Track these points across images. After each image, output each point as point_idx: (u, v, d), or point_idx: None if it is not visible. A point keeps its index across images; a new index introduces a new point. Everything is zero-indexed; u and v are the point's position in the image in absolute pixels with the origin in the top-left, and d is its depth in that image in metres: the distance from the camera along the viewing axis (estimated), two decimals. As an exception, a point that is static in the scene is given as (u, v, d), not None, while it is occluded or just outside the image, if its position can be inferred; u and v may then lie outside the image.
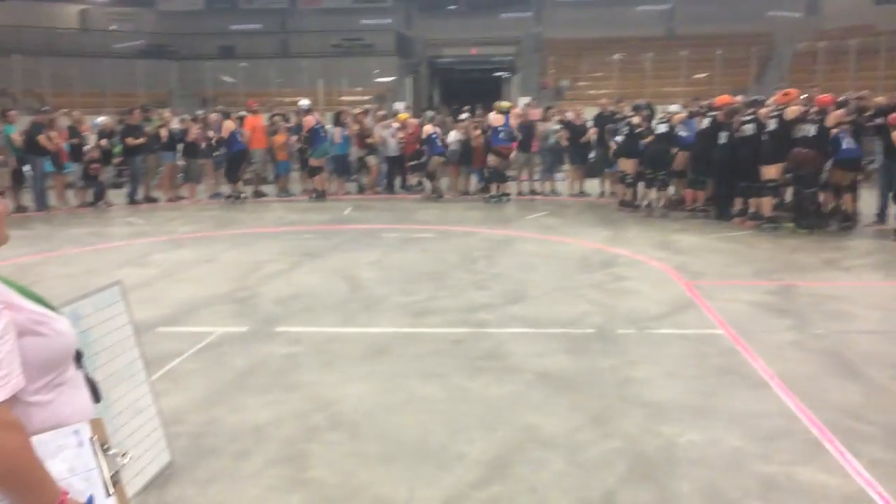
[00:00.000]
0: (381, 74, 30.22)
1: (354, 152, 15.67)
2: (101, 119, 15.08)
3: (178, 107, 22.02)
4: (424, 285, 7.81)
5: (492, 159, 14.09)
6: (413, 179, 15.92)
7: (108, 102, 25.69)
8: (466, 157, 14.95)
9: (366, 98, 29.81)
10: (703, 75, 26.19)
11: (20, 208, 13.58)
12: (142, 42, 33.17)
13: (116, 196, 14.86)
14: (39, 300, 1.88)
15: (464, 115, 16.24)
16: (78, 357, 1.98)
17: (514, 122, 14.42)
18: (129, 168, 14.66)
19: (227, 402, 4.78)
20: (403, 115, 16.04)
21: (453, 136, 15.05)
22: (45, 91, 27.75)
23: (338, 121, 15.68)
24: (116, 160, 14.77)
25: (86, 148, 14.10)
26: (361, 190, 15.92)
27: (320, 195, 14.79)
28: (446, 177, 15.55)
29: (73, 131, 14.26)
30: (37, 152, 13.45)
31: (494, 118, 14.02)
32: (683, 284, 7.72)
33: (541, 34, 31.47)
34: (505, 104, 14.63)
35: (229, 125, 14.28)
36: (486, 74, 31.87)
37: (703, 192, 12.07)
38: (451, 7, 32.76)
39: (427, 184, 15.12)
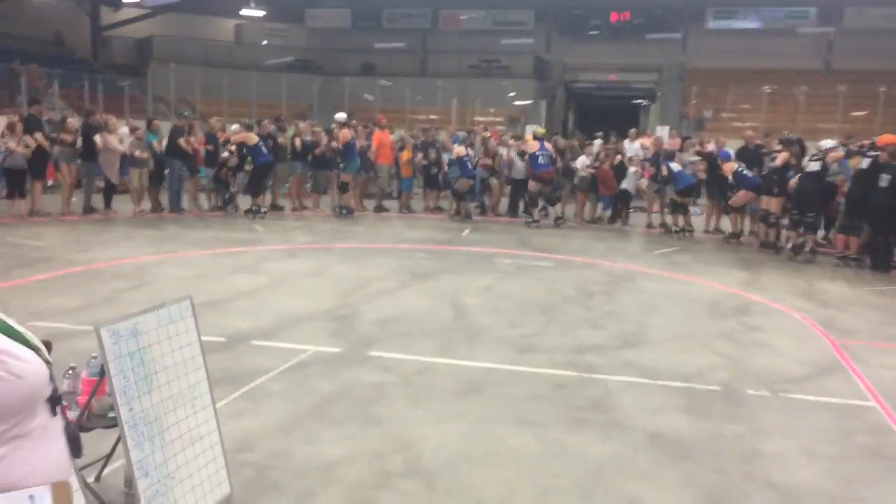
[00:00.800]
0: (517, 97, 29.92)
1: (479, 173, 15.32)
2: (234, 127, 15.48)
3: (318, 119, 22.52)
4: (533, 318, 7.28)
5: (532, 185, 13.91)
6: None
7: (253, 113, 26.71)
8: (593, 184, 14.31)
9: (498, 119, 29.64)
10: (862, 113, 24.22)
11: (157, 208, 14.11)
12: (290, 57, 34.48)
13: (246, 203, 15.18)
14: (8, 332, 1.54)
15: (596, 142, 15.57)
16: (54, 403, 1.63)
17: (647, 148, 13.62)
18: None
19: (303, 431, 4.44)
20: (531, 138, 15.57)
21: (581, 162, 14.44)
22: (196, 99, 29.27)
23: (467, 141, 15.42)
24: (248, 167, 15.09)
25: (224, 155, 14.47)
26: (483, 211, 15.54)
27: (349, 212, 14.35)
28: (572, 203, 14.94)
29: (211, 138, 14.69)
30: (175, 155, 13.92)
31: (530, 144, 13.92)
32: (829, 342, 6.80)
33: (685, 63, 30.26)
34: (540, 130, 14.52)
35: (246, 136, 13.93)
36: (624, 101, 30.89)
37: (858, 239, 10.88)
38: (593, 32, 32.04)
39: (461, 205, 14.67)
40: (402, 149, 15.41)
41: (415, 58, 34.55)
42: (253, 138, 13.50)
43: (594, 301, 8.16)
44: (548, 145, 13.87)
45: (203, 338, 6.05)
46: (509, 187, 15.56)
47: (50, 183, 14.73)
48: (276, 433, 4.39)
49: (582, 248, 11.80)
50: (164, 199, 14.30)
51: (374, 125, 16.04)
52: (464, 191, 14.42)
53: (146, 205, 13.99)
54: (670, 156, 13.63)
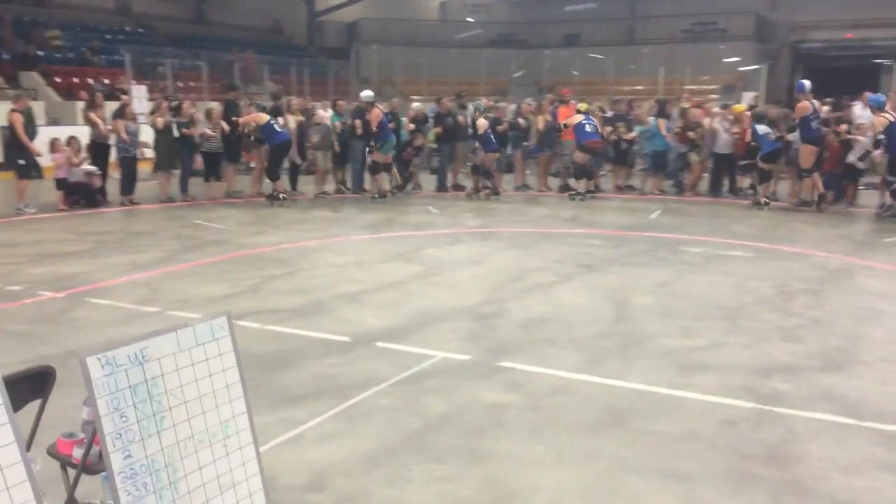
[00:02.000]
0: (739, 63, 27.24)
1: (675, 148, 13.80)
2: (415, 105, 15.15)
3: (516, 95, 21.77)
4: (712, 325, 6.07)
5: (579, 156, 13.16)
6: (743, 182, 13.61)
7: (451, 91, 26.61)
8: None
9: (711, 87, 27.19)
10: None
11: (340, 189, 14.16)
12: (493, 32, 34.02)
13: (429, 182, 14.86)
14: None
15: (825, 108, 13.45)
16: None
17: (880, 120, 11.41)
18: (439, 155, 14.53)
19: (390, 467, 3.74)
20: (739, 107, 13.76)
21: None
22: (398, 79, 29.68)
23: (662, 112, 13.95)
24: (426, 146, 14.74)
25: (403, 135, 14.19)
26: (680, 191, 14.01)
27: (382, 195, 13.31)
28: (787, 180, 13.02)
29: (393, 117, 14.45)
30: (355, 135, 13.83)
31: (574, 117, 13.18)
32: None
33: (943, 12, 25.92)
34: (583, 105, 13.51)
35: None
36: (863, 62, 27.10)
37: None
38: (826, -16, 28.37)
39: (493, 181, 13.44)
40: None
41: (621, 25, 32.67)
42: (263, 118, 12.39)
43: (795, 304, 6.73)
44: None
45: (327, 336, 5.68)
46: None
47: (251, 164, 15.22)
48: (359, 468, 3.73)
49: (791, 234, 10.10)
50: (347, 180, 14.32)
51: (558, 99, 14.99)
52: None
53: (330, 186, 14.06)
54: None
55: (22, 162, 11.59)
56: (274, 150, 12.39)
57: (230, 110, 13.43)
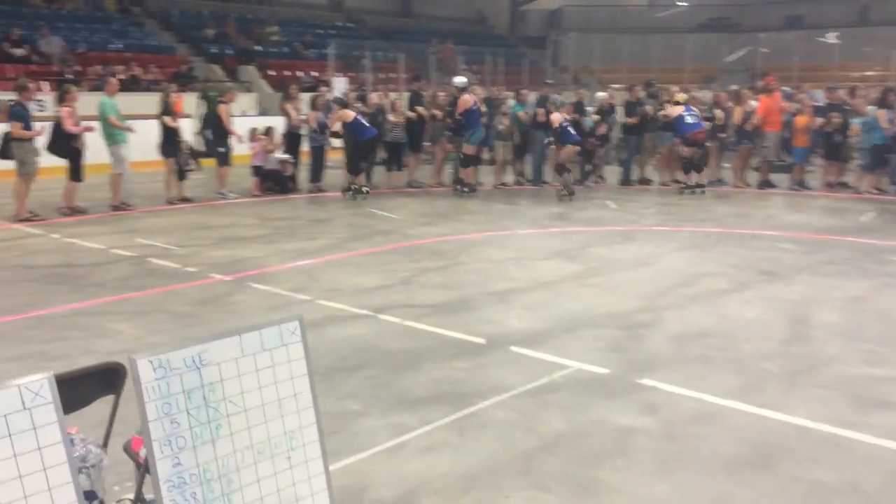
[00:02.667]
0: None
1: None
2: (600, 94, 14.50)
3: (724, 83, 20.33)
4: (910, 353, 5.15)
5: (685, 150, 12.46)
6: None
7: (653, 78, 25.44)
8: None
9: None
10: None
11: (520, 181, 13.91)
12: (703, 16, 32.10)
13: (613, 174, 14.22)
14: None
15: None
16: None
17: None
18: (626, 146, 13.83)
19: (487, 491, 3.45)
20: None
21: None
22: (597, 67, 28.87)
23: (884, 101, 12.30)
24: (611, 135, 14.08)
25: (588, 123, 13.65)
26: (904, 189, 12.31)
27: (472, 189, 12.49)
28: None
29: (578, 107, 13.95)
30: (538, 126, 13.49)
31: (672, 109, 12.49)
32: None
33: None
34: (682, 96, 12.85)
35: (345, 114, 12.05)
36: None
37: None
38: None
39: (564, 178, 12.27)
40: (796, 113, 12.86)
41: (851, 6, 29.48)
42: (349, 115, 11.92)
43: None
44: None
45: (462, 336, 5.46)
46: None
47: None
48: (454, 487, 3.47)
49: None
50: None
51: (763, 88, 13.69)
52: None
53: (509, 177, 13.86)
54: None
55: (223, 150, 12.46)
56: (360, 146, 12.11)
57: (415, 101, 13.63)
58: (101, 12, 22.90)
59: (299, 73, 22.27)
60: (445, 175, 13.63)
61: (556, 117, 12.39)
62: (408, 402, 4.38)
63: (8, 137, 10.13)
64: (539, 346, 5.31)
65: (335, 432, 3.91)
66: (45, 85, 16.64)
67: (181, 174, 11.97)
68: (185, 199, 11.79)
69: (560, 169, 12.31)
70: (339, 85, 18.92)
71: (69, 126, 10.24)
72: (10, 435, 2.19)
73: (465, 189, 12.57)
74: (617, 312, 6.05)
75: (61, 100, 10.50)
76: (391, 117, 13.22)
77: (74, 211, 10.61)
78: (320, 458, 2.82)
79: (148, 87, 18.65)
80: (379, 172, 13.50)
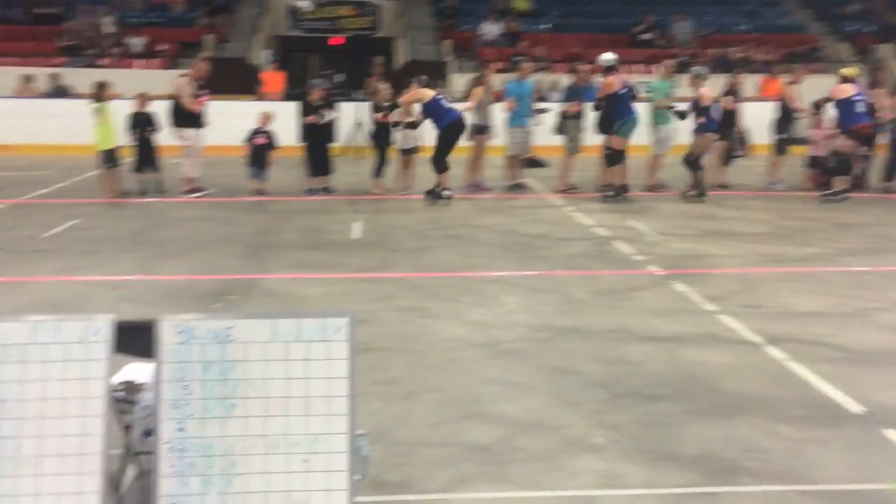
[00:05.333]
0: None
1: None
2: None
3: None
4: None
5: (844, 143, 9.95)
6: None
7: None
8: None
9: None
10: None
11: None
12: None
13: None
14: None
15: None
16: None
17: None
18: None
19: None
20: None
21: None
22: None
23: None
24: None
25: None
26: None
27: (619, 192, 9.90)
28: None
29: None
30: None
31: (839, 89, 9.88)
32: None
33: None
34: (851, 70, 10.41)
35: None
36: None
37: None
38: None
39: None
40: None
41: None
42: (427, 94, 9.96)
43: None
44: None
45: (839, 398, 3.97)
46: None
47: None
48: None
49: None
50: None
51: None
52: None
53: None
54: None
55: (784, 136, 11.34)
56: (442, 134, 9.96)
57: None
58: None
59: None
60: None
61: (706, 93, 10.14)
62: (663, 454, 3.48)
63: (564, 115, 11.13)
64: None
65: (540, 459, 3.41)
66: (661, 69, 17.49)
67: (727, 159, 11.36)
68: (722, 186, 11.17)
69: (693, 163, 10.15)
70: None
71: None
72: (64, 361, 2.58)
73: (612, 194, 10.17)
74: None
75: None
76: None
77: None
78: (346, 471, 2.54)
79: (758, 68, 17.98)
80: None
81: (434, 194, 10.03)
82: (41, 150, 14.51)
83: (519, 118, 10.75)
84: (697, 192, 10.28)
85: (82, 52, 18.13)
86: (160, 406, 2.54)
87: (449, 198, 9.98)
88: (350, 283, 6.46)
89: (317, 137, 10.69)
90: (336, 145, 13.95)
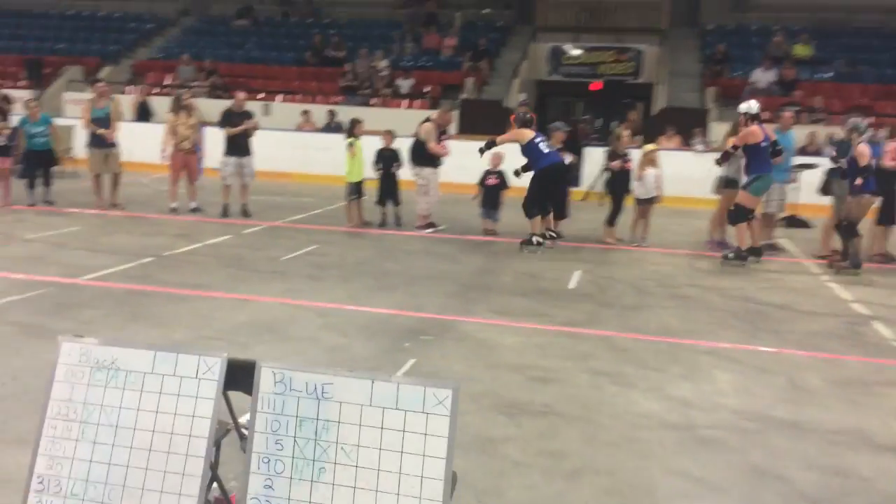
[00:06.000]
0: None
1: None
2: None
3: None
4: None
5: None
6: None
7: None
8: None
9: None
10: None
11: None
12: None
13: None
14: None
15: None
16: None
17: None
18: None
19: None
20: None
21: None
22: None
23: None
24: None
25: None
26: None
27: (740, 255, 8.85)
28: None
29: None
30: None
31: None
32: None
33: None
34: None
35: None
36: None
37: None
38: None
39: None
40: None
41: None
42: (526, 134, 9.43)
43: None
44: None
45: None
46: None
47: None
48: None
49: None
50: None
51: None
52: None
53: None
54: None
55: None
56: (535, 179, 9.57)
57: None
58: None
59: None
60: None
61: (864, 151, 8.79)
62: None
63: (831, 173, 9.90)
64: None
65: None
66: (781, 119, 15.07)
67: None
68: (885, 256, 9.33)
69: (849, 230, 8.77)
70: None
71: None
72: (177, 395, 2.55)
73: (732, 255, 9.03)
74: None
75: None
76: None
77: (886, 259, 9.57)
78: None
79: None
80: None
81: (527, 242, 9.51)
82: (312, 178, 15.86)
83: (779, 173, 9.69)
84: (852, 263, 8.75)
85: (358, 92, 19.65)
86: (250, 457, 2.41)
87: (540, 244, 9.42)
88: (550, 335, 6.09)
89: (552, 181, 10.44)
90: (578, 190, 13.79)
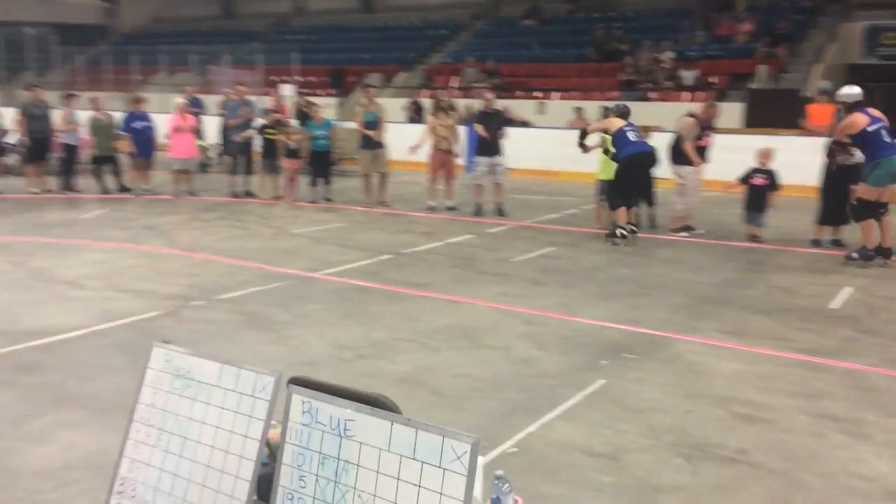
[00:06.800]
0: None
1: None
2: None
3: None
4: None
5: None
6: None
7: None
8: None
9: None
10: None
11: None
12: None
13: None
14: None
15: None
16: None
17: None
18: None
19: None
20: None
21: None
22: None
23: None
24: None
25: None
26: None
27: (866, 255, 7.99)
28: None
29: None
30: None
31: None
32: None
33: None
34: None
35: None
36: None
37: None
38: None
39: None
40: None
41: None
42: (616, 123, 8.92)
43: None
44: None
45: None
46: None
47: None
48: None
49: None
50: None
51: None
52: None
53: None
54: None
55: None
56: (620, 168, 9.02)
57: None
58: None
59: None
60: None
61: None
62: None
63: None
64: None
65: None
66: None
67: None
68: None
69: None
70: None
71: None
72: (235, 412, 2.47)
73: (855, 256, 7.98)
74: None
75: None
76: None
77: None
78: None
79: None
80: None
81: (611, 236, 9.18)
82: (579, 177, 15.48)
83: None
84: None
85: (637, 86, 18.83)
86: (277, 490, 2.24)
87: (623, 237, 9.01)
88: (780, 364, 5.17)
89: (839, 181, 9.03)
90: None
